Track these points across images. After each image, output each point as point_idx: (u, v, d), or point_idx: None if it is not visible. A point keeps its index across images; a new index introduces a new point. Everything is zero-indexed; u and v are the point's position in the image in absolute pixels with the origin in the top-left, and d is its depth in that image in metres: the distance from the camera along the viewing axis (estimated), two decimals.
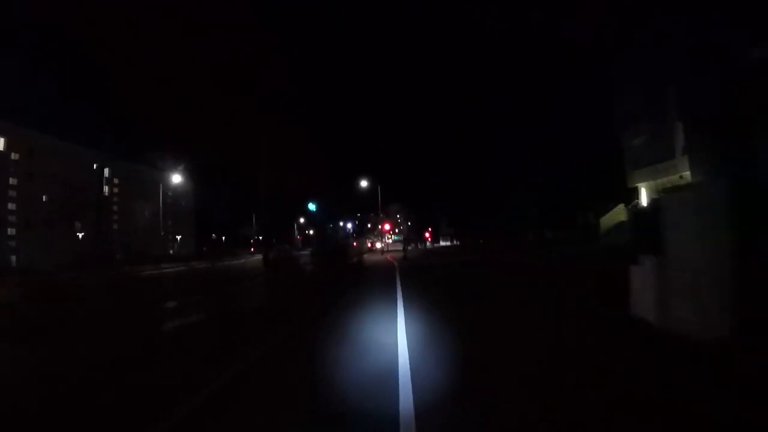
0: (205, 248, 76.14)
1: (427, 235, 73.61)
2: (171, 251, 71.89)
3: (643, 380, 3.60)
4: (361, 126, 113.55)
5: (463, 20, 63.04)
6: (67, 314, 4.63)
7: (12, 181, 50.84)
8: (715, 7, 22.06)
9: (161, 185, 48.66)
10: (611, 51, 29.98)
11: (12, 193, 50.68)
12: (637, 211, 22.34)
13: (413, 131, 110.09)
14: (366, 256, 35.07)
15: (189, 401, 3.62)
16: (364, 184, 41.33)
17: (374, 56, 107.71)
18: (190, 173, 73.19)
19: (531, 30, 55.33)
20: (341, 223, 65.87)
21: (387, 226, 58.47)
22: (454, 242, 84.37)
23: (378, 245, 53.58)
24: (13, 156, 51.01)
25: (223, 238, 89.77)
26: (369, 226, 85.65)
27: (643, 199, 27.26)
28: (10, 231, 49.81)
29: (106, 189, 63.22)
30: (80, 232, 51.49)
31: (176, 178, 47.26)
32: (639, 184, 27.56)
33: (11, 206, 50.32)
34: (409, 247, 37.22)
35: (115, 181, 65.11)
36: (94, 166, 59.52)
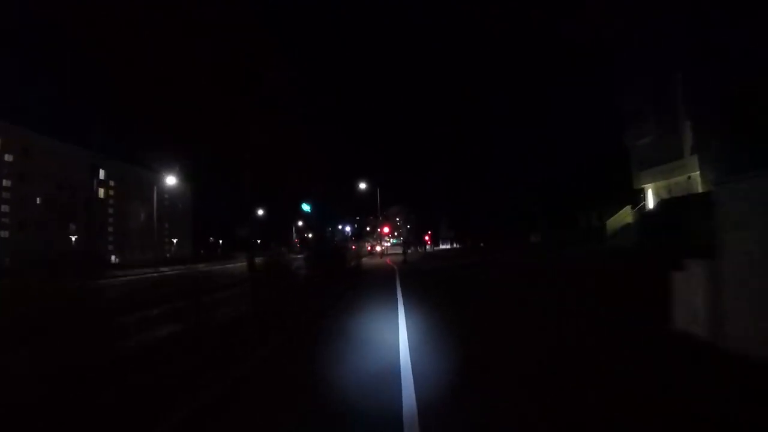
0: (202, 251, 75.39)
1: (426, 238, 72.73)
2: (168, 254, 71.09)
3: (711, 412, 2.86)
4: (360, 126, 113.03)
5: (463, 20, 62.60)
6: None
7: (5, 182, 50.05)
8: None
9: (155, 187, 47.77)
10: (615, 48, 29.32)
11: (6, 194, 49.89)
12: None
13: (413, 131, 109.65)
14: (365, 260, 34.32)
15: None
16: (363, 186, 40.68)
17: (374, 56, 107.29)
18: (188, 175, 72.53)
19: (531, 30, 54.91)
20: (339, 226, 65.15)
21: (386, 229, 57.70)
22: (455, 245, 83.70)
23: (378, 248, 52.69)
24: (7, 157, 50.21)
25: (220, 241, 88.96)
26: (368, 229, 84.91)
27: (650, 201, 26.50)
28: (3, 233, 48.96)
29: (101, 191, 62.42)
30: (74, 235, 50.60)
31: (173, 180, 46.46)
32: (645, 185, 26.81)
33: (5, 208, 49.53)
34: (409, 251, 36.40)
35: (111, 183, 64.24)
36: (96, 168, 58.84)
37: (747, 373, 3.55)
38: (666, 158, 25.08)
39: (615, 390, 3.29)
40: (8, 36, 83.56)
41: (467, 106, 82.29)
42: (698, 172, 22.87)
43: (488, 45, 75.84)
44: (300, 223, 66.70)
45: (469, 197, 61.79)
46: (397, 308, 7.86)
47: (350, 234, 66.65)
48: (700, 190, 22.35)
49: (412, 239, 64.74)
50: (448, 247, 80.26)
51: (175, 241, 77.68)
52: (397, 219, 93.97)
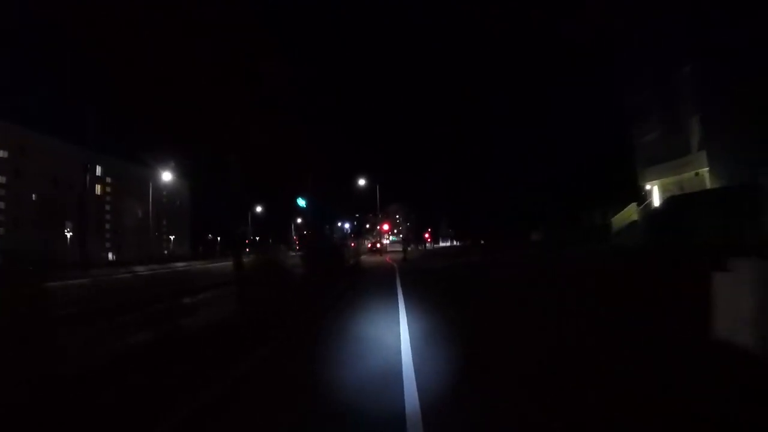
0: (201, 248, 74.79)
1: (426, 235, 72.21)
2: (166, 251, 70.51)
3: None
4: (360, 126, 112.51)
5: (463, 20, 62.14)
6: None
7: (0, 179, 49.40)
8: None
9: (151, 184, 47.16)
10: (619, 43, 28.73)
11: (1, 191, 49.26)
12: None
13: (413, 131, 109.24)
14: (365, 258, 33.79)
15: None
16: (362, 183, 40.16)
17: (374, 56, 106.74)
18: (187, 173, 71.95)
19: (531, 30, 54.55)
20: (339, 224, 64.59)
21: (386, 227, 57.16)
22: (454, 243, 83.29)
23: (378, 245, 52.07)
24: (2, 153, 49.54)
25: (218, 238, 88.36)
26: (368, 226, 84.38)
27: (656, 198, 25.93)
28: None
29: (98, 188, 61.77)
30: (70, 232, 49.98)
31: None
32: (651, 182, 26.24)
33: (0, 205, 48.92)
34: (409, 248, 35.84)
35: (108, 179, 63.55)
36: (88, 164, 58.22)
37: None
38: (672, 155, 24.52)
39: (663, 412, 2.86)
40: (8, 35, 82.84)
41: (467, 106, 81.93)
42: (706, 169, 22.30)
43: (488, 45, 75.34)
44: (299, 221, 66.11)
45: (469, 197, 61.44)
46: (398, 309, 7.38)
47: (349, 231, 66.13)
48: (708, 186, 21.82)
49: (412, 237, 64.19)
50: (448, 244, 79.86)
51: (172, 238, 77.00)
52: (397, 216, 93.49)
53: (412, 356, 4.40)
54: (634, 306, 6.56)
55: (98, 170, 62.14)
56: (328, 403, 3.28)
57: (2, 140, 49.07)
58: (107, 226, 62.86)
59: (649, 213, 24.44)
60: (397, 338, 5.28)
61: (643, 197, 27.04)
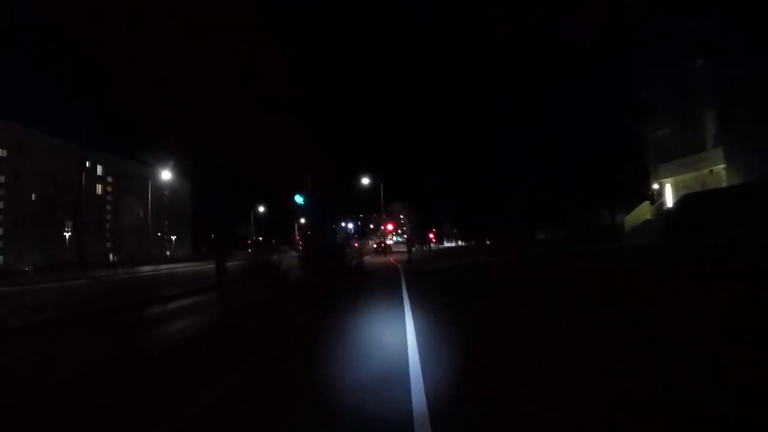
0: (204, 248, 74.26)
1: (431, 236, 71.41)
2: (168, 252, 70.04)
3: None
4: (361, 126, 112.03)
5: (463, 20, 61.60)
6: None
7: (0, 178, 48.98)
8: None
9: (150, 183, 46.65)
10: (630, 37, 27.92)
11: (0, 191, 48.82)
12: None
13: (413, 131, 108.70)
14: (368, 258, 33.11)
15: None
16: (365, 182, 39.53)
17: (374, 56, 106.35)
18: (189, 173, 71.49)
19: (531, 30, 54.05)
20: (342, 224, 63.86)
21: (390, 227, 56.43)
22: (459, 243, 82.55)
23: (383, 245, 51.21)
24: (1, 153, 49.08)
25: None
26: (372, 227, 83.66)
27: (668, 196, 25.09)
28: None
29: (99, 188, 61.32)
30: (69, 232, 49.49)
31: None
32: (664, 180, 25.40)
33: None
34: (413, 249, 35.05)
35: (109, 179, 63.10)
36: (87, 163, 57.79)
37: None
38: (686, 151, 23.71)
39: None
40: (7, 35, 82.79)
41: (467, 106, 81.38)
42: (722, 165, 21.49)
43: (488, 45, 74.74)
44: (303, 221, 65.40)
45: (469, 197, 60.84)
46: (404, 317, 6.64)
47: (353, 231, 65.44)
48: (724, 183, 21.01)
49: (416, 237, 63.40)
50: (453, 245, 79.14)
51: (173, 238, 76.50)
52: (401, 216, 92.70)
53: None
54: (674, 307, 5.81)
55: (99, 170, 61.68)
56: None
57: (2, 139, 48.66)
58: (108, 226, 62.37)
59: (664, 211, 23.62)
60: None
61: (651, 195, 26.26)
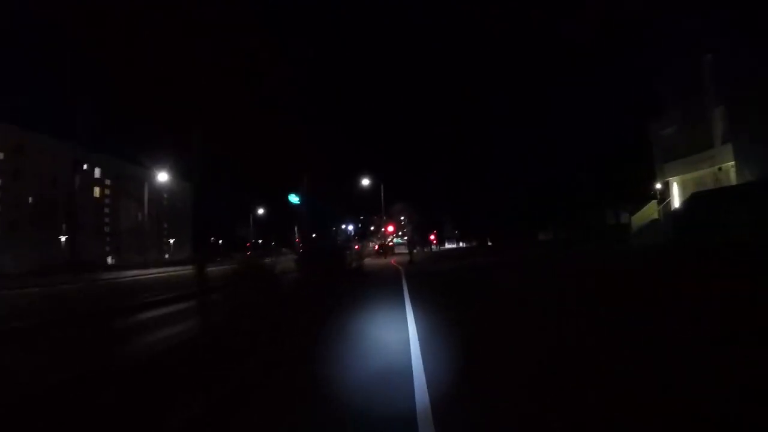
0: (203, 250, 73.63)
1: (432, 237, 70.88)
2: (167, 255, 69.52)
3: None
4: (361, 126, 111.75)
5: (463, 20, 61.39)
6: None
7: None
8: None
9: (146, 185, 46.06)
10: (632, 34, 27.47)
11: None
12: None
13: (413, 131, 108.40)
14: (369, 260, 32.59)
15: None
16: (366, 183, 39.00)
17: (374, 56, 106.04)
18: (189, 174, 71.03)
19: (531, 30, 53.92)
20: (342, 226, 63.51)
21: (390, 228, 55.91)
22: (460, 244, 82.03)
23: (384, 247, 50.54)
24: None
25: (220, 241, 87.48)
26: (372, 228, 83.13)
27: (675, 195, 24.55)
28: None
29: (97, 190, 60.80)
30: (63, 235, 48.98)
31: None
32: (670, 178, 24.86)
33: None
34: (415, 250, 34.45)
35: (107, 182, 62.57)
36: (85, 166, 57.31)
37: None
38: (693, 149, 23.17)
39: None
40: (7, 35, 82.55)
41: (467, 106, 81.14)
42: (731, 163, 20.94)
43: (488, 45, 74.49)
44: (300, 221, 64.83)
45: (470, 197, 60.57)
46: (407, 325, 6.11)
47: (353, 233, 64.93)
48: (733, 181, 20.47)
49: (417, 239, 62.95)
50: (454, 246, 78.67)
51: (171, 241, 75.90)
52: (402, 218, 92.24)
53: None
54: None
55: (97, 172, 61.19)
56: None
57: (0, 141, 48.20)
58: (106, 228, 61.84)
59: (672, 211, 23.08)
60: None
61: (653, 195, 25.79)
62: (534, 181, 48.95)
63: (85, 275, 18.62)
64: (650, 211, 24.14)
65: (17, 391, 3.03)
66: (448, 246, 78.82)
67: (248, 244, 57.92)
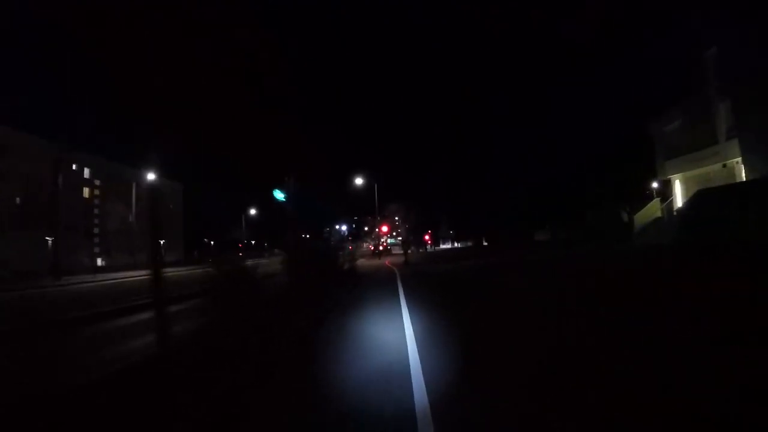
0: (196, 252, 72.74)
1: (427, 237, 70.18)
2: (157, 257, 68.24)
3: None
4: (360, 126, 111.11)
5: (463, 20, 60.83)
6: None
7: None
8: None
9: (134, 186, 44.97)
10: (633, 30, 26.84)
11: None
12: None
13: (413, 131, 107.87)
14: (363, 261, 31.81)
15: None
16: (360, 182, 38.27)
17: (374, 56, 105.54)
18: (183, 175, 70.03)
19: (531, 30, 53.48)
20: (336, 226, 62.83)
21: (385, 228, 55.15)
22: (456, 244, 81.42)
23: (380, 248, 49.75)
24: None
25: (212, 242, 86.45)
26: (366, 229, 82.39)
27: (677, 193, 23.94)
28: None
29: (86, 191, 59.52)
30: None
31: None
32: (673, 176, 24.26)
33: None
34: (409, 251, 33.70)
35: (97, 182, 61.29)
36: (74, 166, 56.09)
37: None
38: (696, 146, 22.58)
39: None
40: (6, 35, 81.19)
41: (467, 106, 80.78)
42: (736, 159, 20.35)
43: (488, 45, 74.08)
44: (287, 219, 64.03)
45: (469, 197, 60.15)
46: (405, 337, 5.41)
47: (347, 234, 64.23)
48: (739, 178, 19.88)
49: (412, 239, 62.31)
50: (449, 246, 78.06)
51: (162, 242, 74.61)
52: (396, 218, 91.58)
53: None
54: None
55: (86, 172, 59.91)
56: None
57: None
58: (96, 230, 60.56)
59: (675, 209, 22.47)
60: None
61: (652, 194, 25.21)
62: (534, 181, 48.53)
63: (72, 278, 17.73)
64: (653, 209, 23.53)
65: None
66: (443, 246, 78.18)
67: (240, 245, 56.97)
